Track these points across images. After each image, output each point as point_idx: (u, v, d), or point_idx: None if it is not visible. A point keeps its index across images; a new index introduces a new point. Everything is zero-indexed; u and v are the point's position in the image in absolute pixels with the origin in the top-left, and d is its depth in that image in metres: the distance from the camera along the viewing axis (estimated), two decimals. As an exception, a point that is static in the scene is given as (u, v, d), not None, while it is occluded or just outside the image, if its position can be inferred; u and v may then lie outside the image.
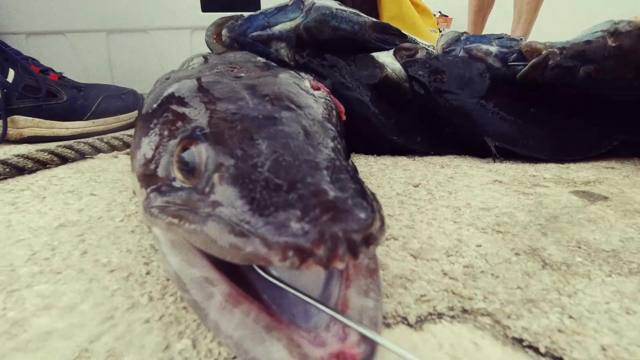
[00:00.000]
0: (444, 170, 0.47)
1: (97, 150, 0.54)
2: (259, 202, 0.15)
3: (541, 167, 0.49)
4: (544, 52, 0.50)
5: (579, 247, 0.28)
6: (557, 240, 0.29)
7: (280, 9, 0.52)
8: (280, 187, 0.15)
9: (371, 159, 0.53)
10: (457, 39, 0.56)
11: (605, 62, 0.49)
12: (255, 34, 0.49)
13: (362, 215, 0.14)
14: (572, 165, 0.50)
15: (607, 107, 0.52)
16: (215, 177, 0.18)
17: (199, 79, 0.26)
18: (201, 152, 0.19)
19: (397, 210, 0.34)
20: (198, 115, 0.22)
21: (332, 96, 0.32)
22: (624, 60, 0.48)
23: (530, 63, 0.50)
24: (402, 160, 0.52)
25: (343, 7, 0.55)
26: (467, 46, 0.54)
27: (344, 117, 0.34)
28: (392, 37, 0.60)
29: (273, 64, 0.36)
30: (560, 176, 0.45)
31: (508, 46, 0.54)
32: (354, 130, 0.55)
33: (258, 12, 0.51)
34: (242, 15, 0.51)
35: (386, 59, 0.56)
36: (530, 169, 0.48)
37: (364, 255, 0.19)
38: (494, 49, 0.53)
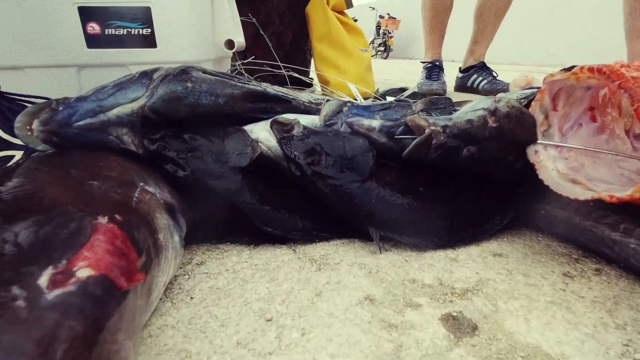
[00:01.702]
0: (318, 276, 0.41)
1: None
2: None
3: (427, 259, 0.45)
4: (427, 130, 0.45)
5: None
6: None
7: (121, 87, 0.43)
8: None
9: (245, 254, 0.46)
10: (338, 111, 0.50)
11: (487, 143, 0.45)
12: (82, 123, 0.40)
13: None
14: (461, 254, 0.46)
15: (497, 184, 0.49)
16: None
17: None
18: None
19: (219, 389, 0.27)
20: None
21: (108, 273, 0.24)
22: (504, 141, 0.45)
23: (413, 142, 0.46)
24: (279, 257, 0.45)
25: (204, 77, 0.47)
26: (349, 120, 0.49)
27: (139, 280, 0.27)
28: (271, 105, 0.53)
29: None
30: (441, 280, 0.41)
31: (393, 119, 0.49)
32: (227, 222, 0.48)
33: (90, 92, 0.42)
34: (66, 99, 0.41)
35: (261, 133, 0.49)
36: (414, 264, 0.44)
37: None
38: (377, 123, 0.48)
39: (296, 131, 0.48)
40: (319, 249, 0.47)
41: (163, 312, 0.36)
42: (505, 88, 1.92)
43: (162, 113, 0.43)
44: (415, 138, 0.46)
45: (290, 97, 0.53)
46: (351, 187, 0.46)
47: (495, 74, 2.03)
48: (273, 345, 0.31)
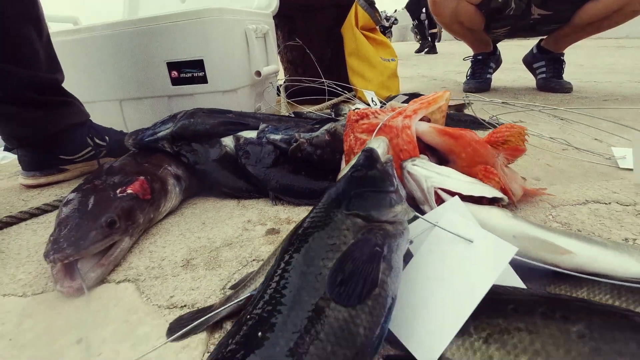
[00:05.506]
0: (239, 210, 0.87)
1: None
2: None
3: (295, 210, 0.86)
4: (299, 141, 0.86)
5: None
6: None
7: (163, 122, 0.95)
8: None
9: (215, 201, 0.94)
10: (264, 129, 0.94)
11: (325, 149, 0.83)
12: (147, 139, 0.94)
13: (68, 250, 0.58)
14: (315, 208, 0.85)
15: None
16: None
17: (78, 191, 0.71)
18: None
19: (171, 239, 0.77)
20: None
21: (137, 192, 0.75)
22: (332, 147, 0.82)
23: (291, 147, 0.87)
24: (229, 203, 0.92)
25: (201, 114, 0.96)
26: (267, 135, 0.92)
27: (146, 198, 0.77)
28: (238, 127, 0.99)
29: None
30: (288, 217, 0.82)
31: (290, 134, 0.91)
32: (209, 185, 0.98)
33: (151, 125, 0.96)
34: (143, 129, 0.95)
35: (228, 141, 0.97)
36: (286, 210, 0.85)
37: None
38: (279, 136, 0.91)
39: (241, 142, 0.94)
40: (252, 202, 0.93)
41: (169, 219, 0.86)
42: (556, 87, 1.91)
43: (179, 134, 0.94)
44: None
45: (247, 121, 0.99)
46: (261, 170, 0.90)
47: (562, 72, 2.01)
48: (193, 232, 0.79)
